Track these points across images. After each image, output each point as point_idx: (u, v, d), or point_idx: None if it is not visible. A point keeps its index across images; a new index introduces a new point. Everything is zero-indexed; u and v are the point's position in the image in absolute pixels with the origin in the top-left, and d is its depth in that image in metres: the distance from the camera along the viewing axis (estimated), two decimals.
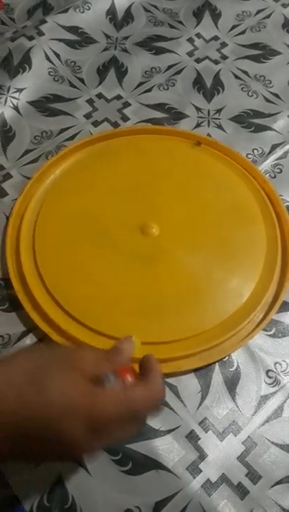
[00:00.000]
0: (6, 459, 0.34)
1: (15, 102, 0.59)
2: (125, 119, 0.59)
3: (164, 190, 0.52)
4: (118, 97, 0.61)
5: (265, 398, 0.42)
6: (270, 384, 0.43)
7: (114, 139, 0.56)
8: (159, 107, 0.60)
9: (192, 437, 0.40)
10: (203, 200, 0.52)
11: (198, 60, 0.65)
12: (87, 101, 0.61)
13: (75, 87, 0.62)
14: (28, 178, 0.54)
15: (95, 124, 0.59)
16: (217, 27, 0.68)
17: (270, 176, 0.55)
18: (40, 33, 0.64)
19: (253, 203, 0.52)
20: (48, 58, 0.63)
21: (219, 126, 0.58)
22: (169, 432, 0.40)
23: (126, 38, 0.67)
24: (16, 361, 0.30)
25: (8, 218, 0.51)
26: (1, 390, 0.28)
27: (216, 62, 0.65)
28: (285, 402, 0.42)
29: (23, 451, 0.29)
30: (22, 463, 0.37)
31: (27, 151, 0.56)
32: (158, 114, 0.59)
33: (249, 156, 0.56)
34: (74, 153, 0.55)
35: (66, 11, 0.67)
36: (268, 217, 0.51)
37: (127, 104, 0.60)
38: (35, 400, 0.28)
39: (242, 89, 0.62)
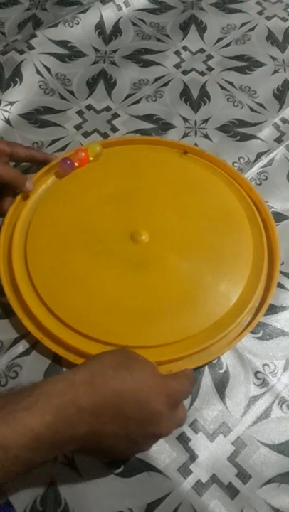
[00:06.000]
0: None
1: (6, 114, 0.61)
2: (114, 129, 0.61)
3: (153, 198, 0.54)
4: (107, 109, 0.62)
5: (254, 399, 0.43)
6: (258, 385, 0.44)
7: (104, 150, 0.57)
8: (148, 117, 0.62)
9: (183, 439, 0.41)
10: (192, 207, 0.53)
11: (185, 72, 0.66)
12: (77, 112, 0.62)
13: (65, 99, 0.63)
14: None
15: (85, 134, 0.60)
16: (203, 40, 0.70)
17: (255, 183, 0.56)
18: (31, 47, 0.65)
19: (240, 210, 0.53)
20: (38, 72, 0.65)
21: (206, 136, 0.60)
22: None
23: (114, 51, 0.69)
24: (105, 360, 0.36)
25: (0, 227, 0.52)
26: (117, 388, 0.35)
27: (203, 73, 0.66)
28: (273, 402, 0.43)
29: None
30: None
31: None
32: (146, 125, 0.61)
33: (235, 164, 0.57)
34: None
35: (56, 25, 0.68)
36: (254, 223, 0.52)
37: (116, 116, 0.62)
38: (132, 393, 0.35)
39: (228, 99, 0.64)
